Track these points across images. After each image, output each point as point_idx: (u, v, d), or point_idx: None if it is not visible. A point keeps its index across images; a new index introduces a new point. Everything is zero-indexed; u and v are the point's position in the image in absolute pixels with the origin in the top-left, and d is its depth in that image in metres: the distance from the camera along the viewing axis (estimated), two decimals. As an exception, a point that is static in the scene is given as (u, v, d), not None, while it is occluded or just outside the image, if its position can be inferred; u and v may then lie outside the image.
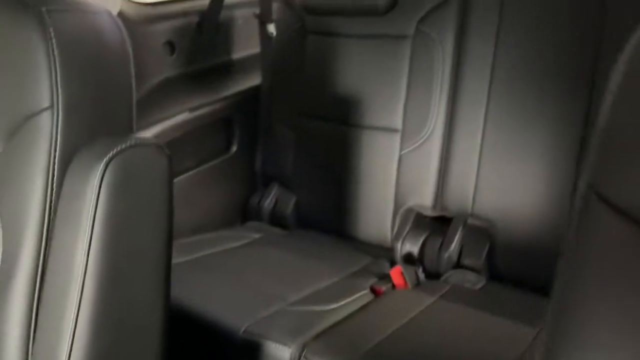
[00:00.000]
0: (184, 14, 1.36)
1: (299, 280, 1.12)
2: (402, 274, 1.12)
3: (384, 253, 1.29)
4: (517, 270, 1.14)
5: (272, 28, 1.47)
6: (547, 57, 1.08)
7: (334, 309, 1.01)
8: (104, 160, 0.55)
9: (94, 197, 0.54)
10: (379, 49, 1.27)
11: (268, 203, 1.47)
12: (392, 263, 1.24)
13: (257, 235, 1.37)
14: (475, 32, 1.16)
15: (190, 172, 1.35)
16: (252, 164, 1.51)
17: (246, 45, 1.64)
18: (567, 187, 1.07)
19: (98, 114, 0.60)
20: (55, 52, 0.55)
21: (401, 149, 1.26)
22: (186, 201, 1.32)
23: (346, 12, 1.28)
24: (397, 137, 1.26)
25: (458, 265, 1.18)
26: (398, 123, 1.26)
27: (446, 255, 1.17)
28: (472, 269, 1.16)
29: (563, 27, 1.07)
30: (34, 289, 0.56)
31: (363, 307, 1.03)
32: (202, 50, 1.49)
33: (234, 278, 1.11)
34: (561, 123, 1.07)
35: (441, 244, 1.19)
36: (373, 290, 1.10)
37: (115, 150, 0.55)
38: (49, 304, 0.56)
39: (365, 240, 1.34)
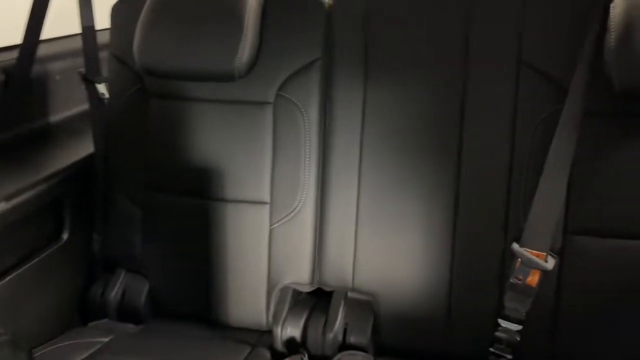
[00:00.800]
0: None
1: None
2: (288, 366, 1.01)
3: (262, 339, 1.16)
4: (404, 342, 1.11)
5: (103, 89, 1.26)
6: (415, 124, 1.08)
7: None
8: None
9: None
10: (238, 115, 1.16)
11: (114, 294, 1.23)
12: (274, 351, 1.12)
13: (105, 339, 1.14)
14: (341, 98, 1.11)
15: (10, 276, 1.06)
16: (89, 250, 1.26)
17: (68, 106, 1.40)
18: (445, 254, 1.07)
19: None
20: None
21: (271, 223, 1.15)
22: (8, 314, 1.04)
23: (195, 78, 1.14)
24: (266, 210, 1.15)
25: (344, 344, 1.11)
26: (266, 195, 1.15)
27: (331, 335, 1.09)
28: (359, 348, 1.09)
29: (427, 91, 1.08)
30: None
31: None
32: (10, 113, 1.22)
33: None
34: (434, 189, 1.07)
35: (325, 324, 1.11)
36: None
37: None
38: None
39: (238, 326, 1.20)
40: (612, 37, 0.90)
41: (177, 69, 1.12)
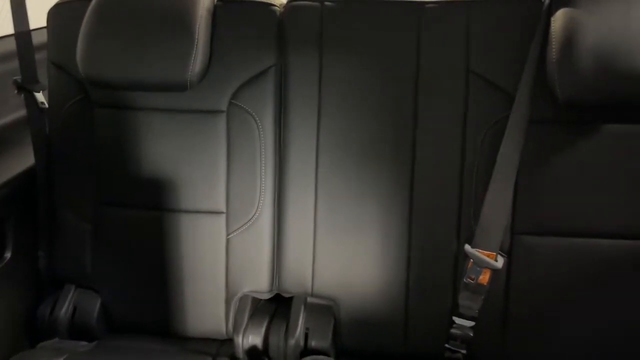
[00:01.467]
0: None
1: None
2: (254, 378, 1.02)
3: (223, 349, 1.16)
4: (364, 344, 1.14)
5: (42, 97, 1.19)
6: (370, 132, 1.10)
7: None
8: None
9: None
10: (190, 124, 1.13)
11: (64, 312, 1.18)
12: (235, 360, 1.12)
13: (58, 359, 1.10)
14: (296, 107, 1.11)
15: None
16: (35, 268, 1.20)
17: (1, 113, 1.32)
18: (401, 257, 1.10)
19: None
20: None
21: (228, 232, 1.14)
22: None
23: (145, 88, 1.10)
24: (222, 220, 1.14)
25: (306, 349, 1.12)
26: (221, 204, 1.14)
27: (293, 341, 1.10)
28: (320, 352, 1.11)
29: (380, 101, 1.09)
30: None
31: None
32: None
33: None
34: (389, 196, 1.09)
35: (286, 330, 1.12)
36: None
37: None
38: None
39: (197, 337, 1.19)
40: (553, 49, 0.96)
41: (126, 80, 1.08)
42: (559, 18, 0.96)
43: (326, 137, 1.11)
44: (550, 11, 0.99)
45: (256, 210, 1.13)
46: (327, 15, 1.10)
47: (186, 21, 1.05)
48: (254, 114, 1.11)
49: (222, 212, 1.14)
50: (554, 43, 0.95)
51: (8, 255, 1.15)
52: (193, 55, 1.04)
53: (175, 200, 1.15)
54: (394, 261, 1.10)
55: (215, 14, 1.11)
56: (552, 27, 0.97)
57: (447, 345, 1.07)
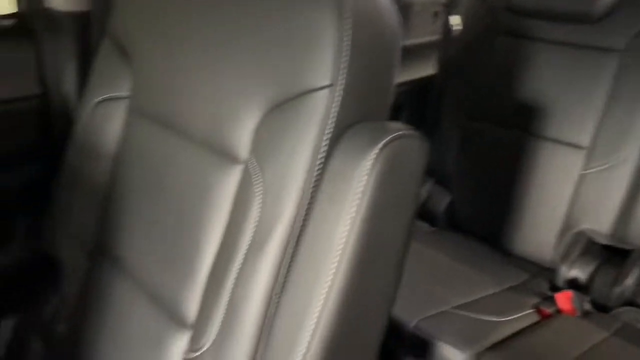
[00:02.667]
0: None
1: (457, 284, 1.10)
2: (571, 300, 1.07)
3: (541, 273, 1.23)
4: None
5: (457, 20, 1.43)
6: None
7: (502, 322, 0.98)
8: (377, 146, 0.55)
9: (362, 182, 0.54)
10: (579, 59, 1.20)
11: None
12: (553, 285, 1.18)
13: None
14: None
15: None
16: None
17: (419, 33, 1.62)
18: None
19: (368, 97, 0.60)
20: (349, 31, 0.56)
21: (584, 168, 1.18)
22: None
23: (553, 17, 1.21)
24: (580, 155, 1.19)
25: (630, 302, 1.10)
26: (585, 140, 1.18)
27: (619, 290, 1.09)
28: (646, 310, 1.08)
29: None
30: (283, 262, 0.58)
31: (531, 327, 0.99)
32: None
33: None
34: None
35: (615, 277, 1.11)
36: (539, 310, 1.05)
37: (387, 138, 0.55)
38: (296, 282, 0.57)
39: (519, 255, 1.28)
40: None
41: (541, 8, 1.20)
42: None
43: None
44: None
45: (622, 155, 1.13)
46: None
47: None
48: None
49: (582, 148, 1.18)
50: None
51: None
52: None
53: (538, 126, 1.24)
54: None
55: None
56: None
57: None
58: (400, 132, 0.56)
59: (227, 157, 0.66)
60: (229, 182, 0.65)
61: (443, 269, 1.18)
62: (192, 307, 0.66)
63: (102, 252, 0.81)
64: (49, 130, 0.98)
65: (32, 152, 0.97)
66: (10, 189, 0.95)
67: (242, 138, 0.64)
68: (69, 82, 0.97)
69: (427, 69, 1.49)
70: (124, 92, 0.82)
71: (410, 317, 0.93)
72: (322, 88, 0.57)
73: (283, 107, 0.60)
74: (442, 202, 1.42)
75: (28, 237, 0.98)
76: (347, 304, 0.56)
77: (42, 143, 0.98)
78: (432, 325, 0.92)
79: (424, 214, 1.43)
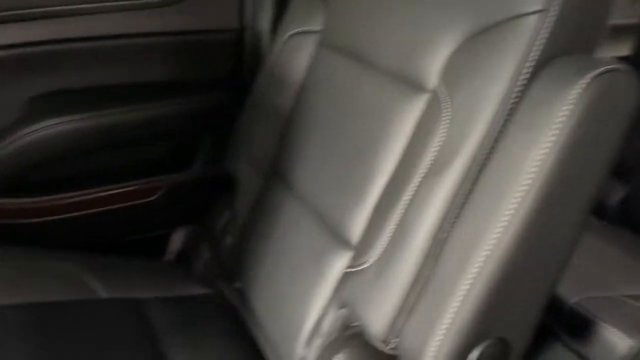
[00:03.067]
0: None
1: (631, 276, 1.00)
2: None
3: None
4: None
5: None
6: None
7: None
8: (586, 77, 0.51)
9: (564, 112, 0.51)
10: None
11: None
12: None
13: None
14: None
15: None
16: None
17: (616, 15, 1.48)
18: None
19: (581, 28, 0.56)
20: None
21: None
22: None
23: None
24: None
25: None
26: None
27: None
28: None
29: None
30: (462, 186, 0.57)
31: None
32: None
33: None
34: None
35: None
36: None
37: (598, 70, 0.51)
38: (477, 203, 0.56)
39: None
40: None
41: None
42: None
43: None
44: None
45: None
46: None
47: None
48: None
49: None
50: None
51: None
52: None
53: None
54: None
55: None
56: None
57: None
58: (614, 66, 0.52)
59: (413, 84, 0.66)
60: (412, 110, 0.66)
61: (614, 259, 1.08)
62: (357, 228, 0.69)
63: (275, 173, 0.87)
64: (240, 62, 1.06)
65: (223, 80, 1.06)
66: (199, 111, 1.05)
67: (433, 66, 0.64)
68: (264, 18, 1.04)
69: (621, 50, 1.36)
70: (316, 27, 0.86)
71: (571, 294, 0.87)
72: (531, 13, 0.55)
73: (483, 34, 0.59)
74: (615, 194, 1.29)
75: (210, 156, 1.08)
76: (527, 236, 0.53)
77: (233, 73, 1.06)
78: (596, 306, 0.85)
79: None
